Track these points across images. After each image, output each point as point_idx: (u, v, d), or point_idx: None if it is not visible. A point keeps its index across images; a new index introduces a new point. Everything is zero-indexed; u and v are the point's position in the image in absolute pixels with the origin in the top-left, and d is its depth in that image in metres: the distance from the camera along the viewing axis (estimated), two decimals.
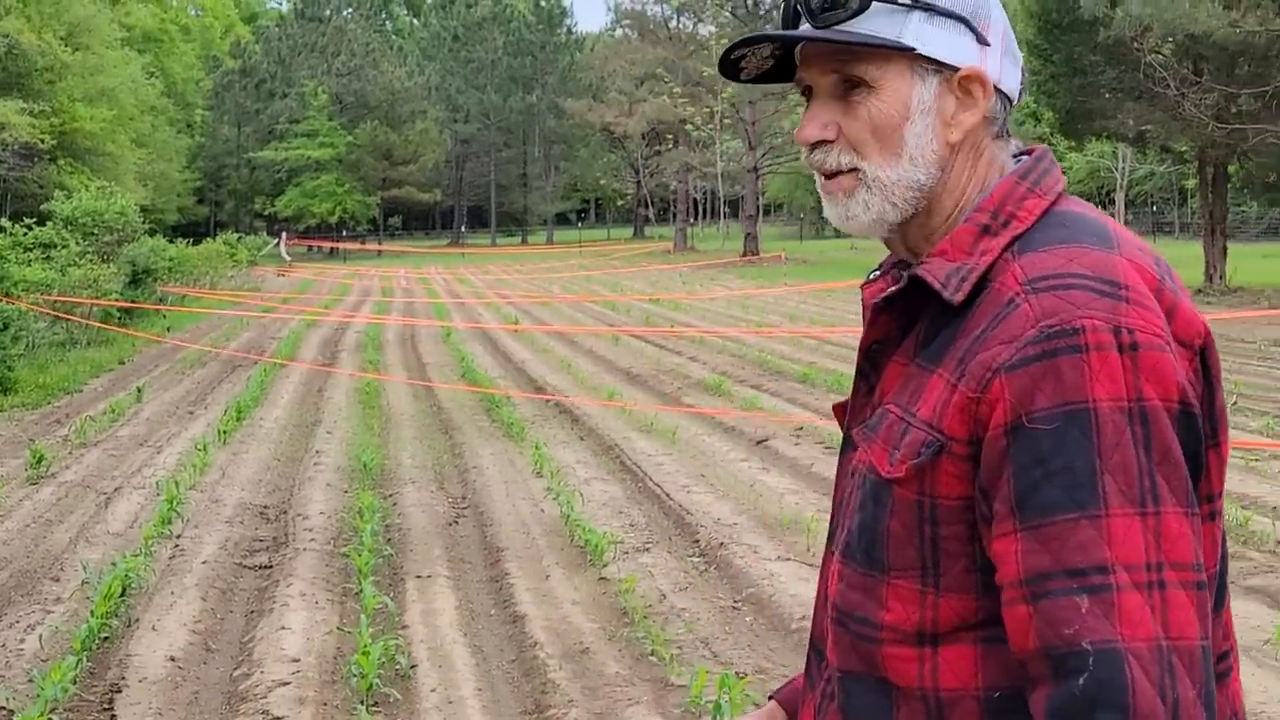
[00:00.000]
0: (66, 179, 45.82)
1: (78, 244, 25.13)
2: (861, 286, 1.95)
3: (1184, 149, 35.88)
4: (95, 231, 26.79)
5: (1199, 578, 1.58)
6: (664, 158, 77.68)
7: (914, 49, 1.74)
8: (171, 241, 37.98)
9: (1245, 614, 7.21)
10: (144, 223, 30.65)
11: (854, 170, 1.79)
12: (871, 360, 1.85)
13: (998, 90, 1.79)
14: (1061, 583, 1.56)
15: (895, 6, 1.74)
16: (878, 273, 1.95)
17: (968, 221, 1.76)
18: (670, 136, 74.92)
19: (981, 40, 1.77)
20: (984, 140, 1.81)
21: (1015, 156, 1.84)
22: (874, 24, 1.74)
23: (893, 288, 1.79)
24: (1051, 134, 51.08)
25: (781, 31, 1.80)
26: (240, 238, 49.81)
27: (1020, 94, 1.83)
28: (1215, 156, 32.62)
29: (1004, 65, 1.79)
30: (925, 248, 1.81)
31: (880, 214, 1.81)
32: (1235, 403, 14.93)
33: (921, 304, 1.77)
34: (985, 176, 1.81)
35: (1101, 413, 1.58)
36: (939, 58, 1.75)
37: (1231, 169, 34.27)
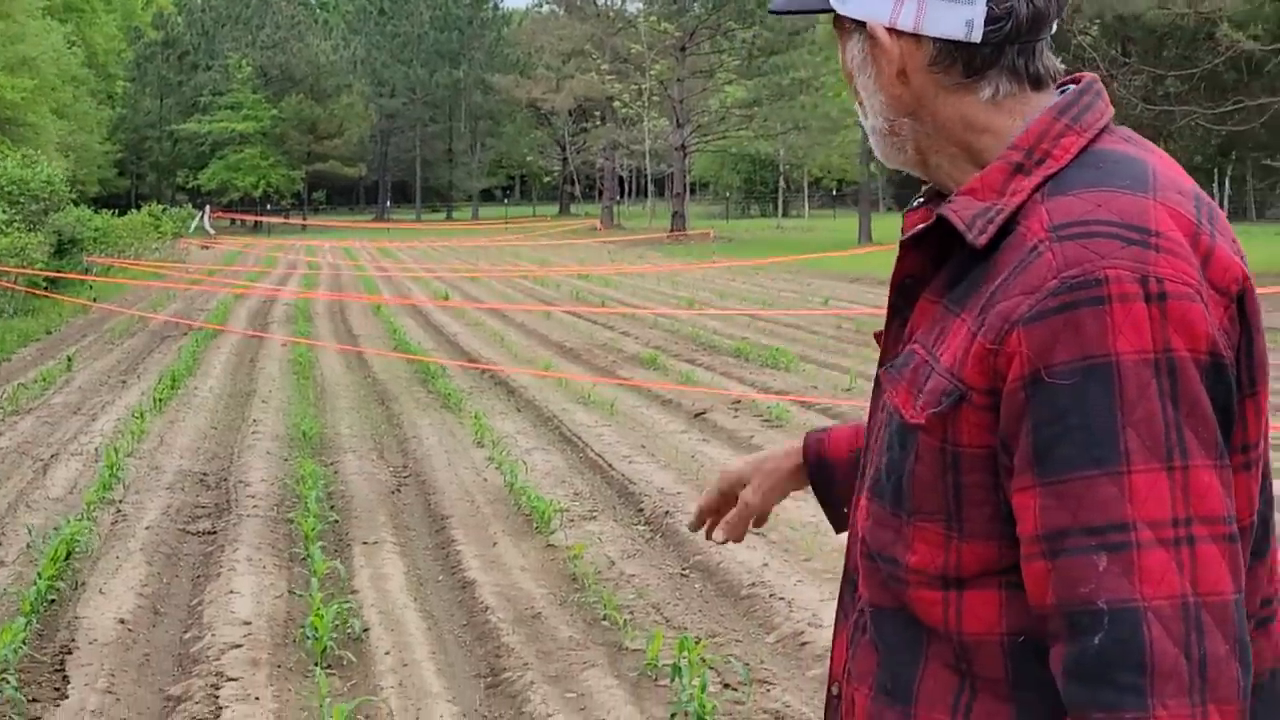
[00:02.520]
0: None
1: (4, 212, 24.75)
2: (904, 214, 1.92)
3: None
4: (21, 200, 26.39)
5: (1231, 530, 1.56)
6: (591, 135, 77.64)
7: (832, 9, 1.77)
8: (94, 213, 37.49)
9: None
10: (72, 195, 30.24)
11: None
12: (904, 295, 1.84)
13: (935, 37, 1.72)
14: (1079, 540, 1.55)
15: None
16: (921, 200, 1.92)
17: (1000, 159, 1.72)
18: (597, 114, 74.93)
19: None
20: (941, 91, 1.77)
21: (1060, 87, 1.79)
22: None
23: (922, 224, 1.78)
24: None
25: None
26: (165, 209, 49.24)
27: (995, 26, 1.71)
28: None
29: (926, 9, 1.72)
30: (951, 185, 1.79)
31: (884, 155, 1.85)
32: None
33: (951, 242, 1.75)
34: (977, 118, 1.77)
35: (1124, 366, 1.55)
36: (853, 15, 1.76)
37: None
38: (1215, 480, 1.55)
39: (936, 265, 1.78)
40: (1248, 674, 1.54)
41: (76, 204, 33.21)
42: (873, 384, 1.90)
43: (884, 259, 36.17)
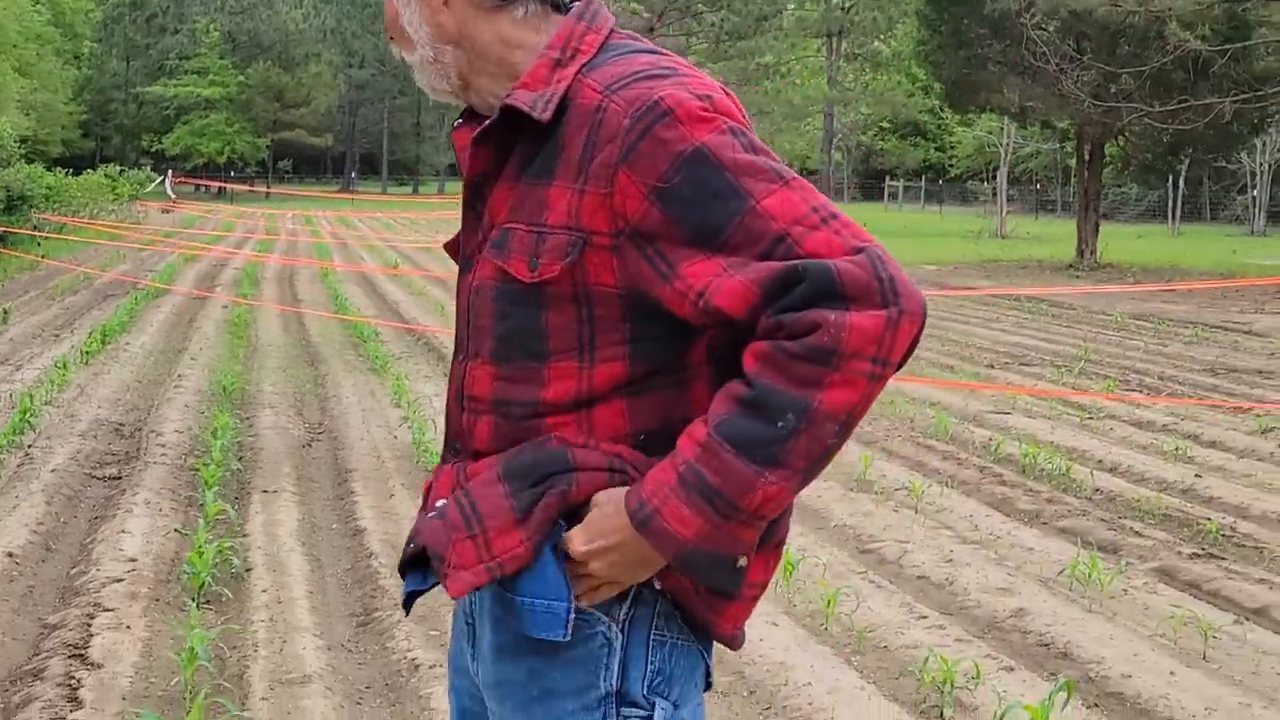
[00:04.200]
0: None
1: None
2: (451, 135, 2.25)
3: (1064, 125, 36.63)
4: None
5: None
6: None
7: None
8: (47, 171, 37.37)
9: (1050, 550, 7.60)
10: (21, 150, 30.17)
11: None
12: (476, 192, 2.13)
13: None
14: (758, 263, 1.88)
15: None
16: (460, 120, 2.23)
17: (540, 60, 2.07)
18: None
19: None
20: (480, 15, 2.10)
21: (565, 6, 2.14)
22: None
23: (488, 121, 2.07)
24: (941, 106, 51.81)
25: None
26: (122, 171, 49.06)
27: None
28: (1092, 135, 33.27)
29: None
30: (494, 103, 2.11)
31: (431, 85, 2.20)
32: (1082, 366, 15.43)
33: (515, 133, 2.05)
34: (513, 35, 2.11)
35: (710, 144, 1.93)
36: None
37: (1109, 148, 35.03)
38: (811, 184, 1.95)
39: (502, 160, 2.08)
40: (923, 306, 1.88)
41: (30, 161, 33.12)
42: (457, 280, 2.20)
43: None
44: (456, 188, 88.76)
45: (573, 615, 1.99)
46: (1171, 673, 5.77)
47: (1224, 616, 6.58)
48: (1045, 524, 8.38)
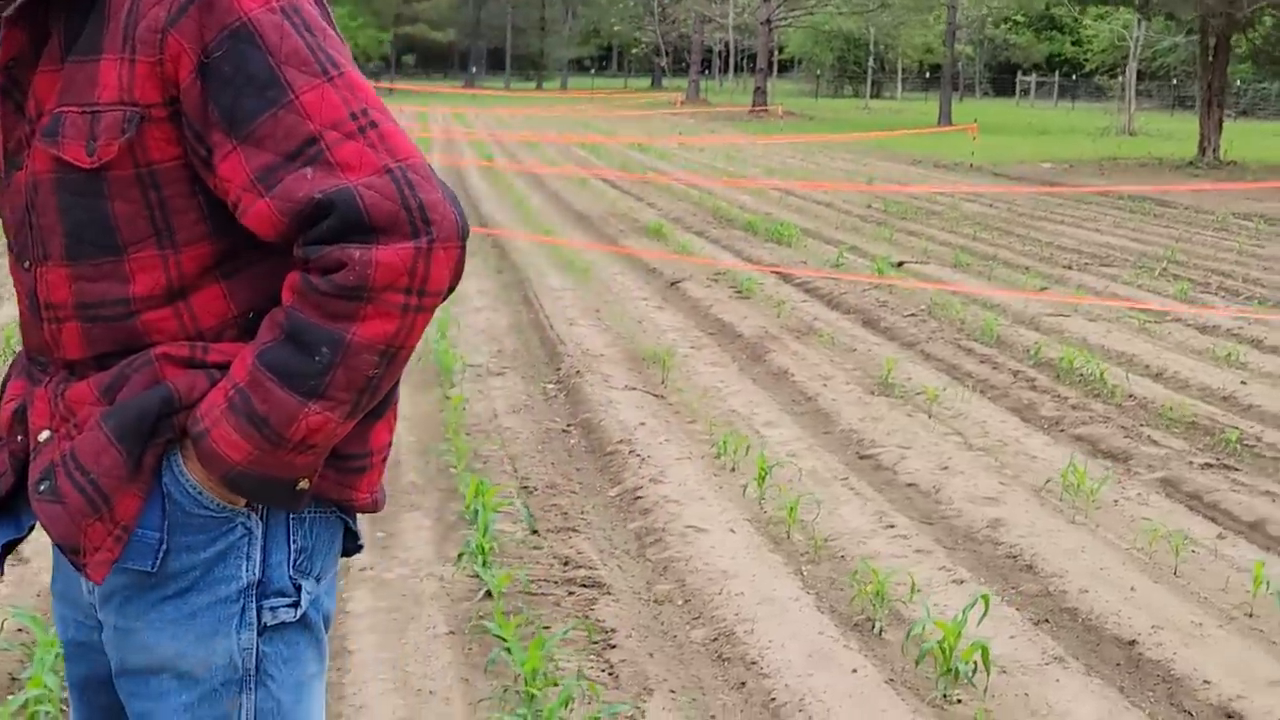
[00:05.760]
0: None
1: None
2: None
3: (1189, 18, 35.37)
4: None
5: (392, 116, 1.84)
6: (681, 6, 76.66)
7: None
8: None
9: (1055, 458, 7.32)
10: None
11: None
12: (13, 78, 1.94)
13: None
14: (283, 168, 1.78)
15: None
16: None
17: None
18: None
19: None
20: None
21: None
22: None
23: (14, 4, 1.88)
24: (1066, 1, 50.40)
25: None
26: None
27: None
28: (1217, 27, 32.15)
29: None
30: None
31: None
32: (1164, 268, 14.93)
33: (47, 15, 1.89)
34: None
35: (257, 20, 1.79)
36: None
37: (1236, 42, 33.76)
38: (363, 79, 1.83)
39: (38, 43, 1.90)
40: (464, 218, 1.84)
41: None
42: (3, 181, 2.00)
43: (954, 142, 35.80)
44: (583, 84, 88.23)
45: (164, 546, 1.91)
46: (1132, 588, 5.52)
47: (1211, 530, 6.29)
48: (1062, 431, 8.08)
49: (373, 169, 1.78)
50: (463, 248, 1.83)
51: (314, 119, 1.78)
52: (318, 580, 2.04)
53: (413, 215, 1.77)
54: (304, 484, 1.90)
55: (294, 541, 1.99)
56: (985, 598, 4.83)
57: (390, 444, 2.08)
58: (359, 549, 2.16)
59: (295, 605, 1.99)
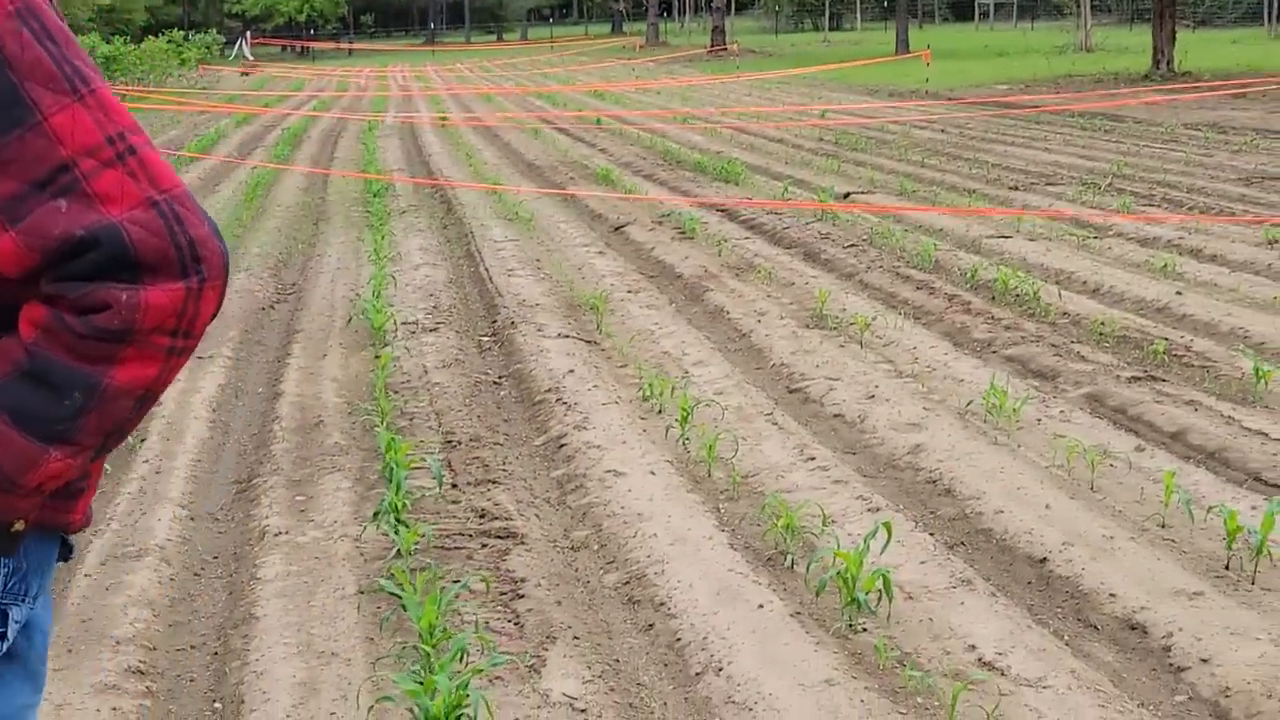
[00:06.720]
0: None
1: None
2: None
3: None
4: None
5: (148, 136, 1.68)
6: None
7: None
8: (138, 44, 37.43)
9: (982, 381, 7.30)
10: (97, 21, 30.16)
11: None
12: None
13: None
14: (34, 199, 1.61)
15: None
16: None
17: None
18: None
19: None
20: None
21: None
22: None
23: None
24: None
25: None
26: (187, 36, 48.80)
27: None
28: None
29: None
30: None
31: None
32: (1110, 182, 14.90)
33: None
34: None
35: None
36: None
37: None
38: (114, 96, 1.67)
39: None
40: (227, 251, 1.69)
41: (116, 33, 33.03)
42: None
43: (911, 69, 35.64)
44: (542, 34, 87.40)
45: None
46: (1047, 506, 5.53)
47: (1130, 443, 6.30)
48: (994, 353, 8.09)
49: (135, 201, 1.63)
50: (225, 286, 1.70)
51: (65, 144, 1.62)
52: (35, 599, 1.91)
53: (183, 253, 1.64)
54: (20, 525, 1.77)
55: (4, 566, 1.84)
56: (887, 525, 4.82)
57: (101, 467, 1.94)
58: (70, 556, 2.01)
59: (2, 638, 1.85)
